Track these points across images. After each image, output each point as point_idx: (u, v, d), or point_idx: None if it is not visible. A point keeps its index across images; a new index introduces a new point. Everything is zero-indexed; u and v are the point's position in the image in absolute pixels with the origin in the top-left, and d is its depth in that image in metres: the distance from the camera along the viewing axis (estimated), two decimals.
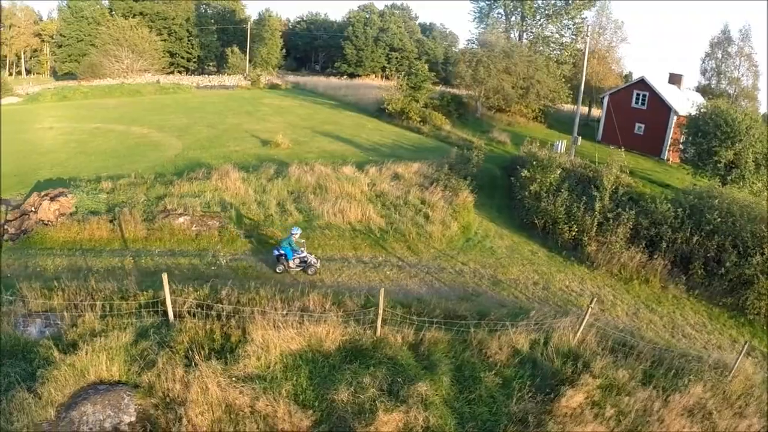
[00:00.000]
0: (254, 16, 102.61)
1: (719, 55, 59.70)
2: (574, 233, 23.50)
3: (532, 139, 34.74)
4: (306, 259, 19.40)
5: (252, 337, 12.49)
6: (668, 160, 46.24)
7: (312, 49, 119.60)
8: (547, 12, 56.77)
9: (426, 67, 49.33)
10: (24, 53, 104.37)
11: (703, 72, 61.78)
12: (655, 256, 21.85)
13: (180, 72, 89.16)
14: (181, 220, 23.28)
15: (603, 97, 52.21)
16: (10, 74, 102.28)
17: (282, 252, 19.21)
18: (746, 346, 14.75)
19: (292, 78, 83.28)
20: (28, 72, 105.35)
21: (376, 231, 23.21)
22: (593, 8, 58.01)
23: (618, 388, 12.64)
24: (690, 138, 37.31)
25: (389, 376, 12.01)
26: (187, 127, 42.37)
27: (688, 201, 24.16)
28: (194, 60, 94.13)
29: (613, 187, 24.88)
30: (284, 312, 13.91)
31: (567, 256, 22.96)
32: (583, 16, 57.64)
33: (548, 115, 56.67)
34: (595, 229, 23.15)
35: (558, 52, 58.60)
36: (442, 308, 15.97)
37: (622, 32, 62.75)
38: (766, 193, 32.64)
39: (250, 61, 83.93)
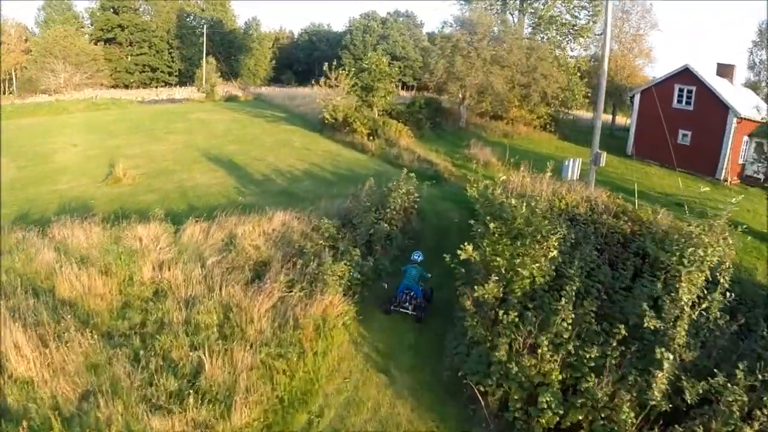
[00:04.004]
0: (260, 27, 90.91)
1: None
2: None
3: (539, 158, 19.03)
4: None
5: None
6: (725, 180, 30.37)
7: (314, 60, 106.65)
8: None
9: (385, 60, 33.07)
10: (15, 71, 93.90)
11: (751, 66, 45.47)
12: None
13: (167, 86, 77.20)
14: None
15: (632, 96, 36.13)
16: (3, 93, 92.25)
17: (410, 290, 12.19)
18: None
19: (277, 89, 69.67)
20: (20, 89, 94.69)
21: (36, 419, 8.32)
22: None
23: None
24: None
25: None
26: (51, 153, 30.55)
27: None
28: (175, 73, 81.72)
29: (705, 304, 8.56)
30: None
31: None
32: None
33: (561, 123, 40.51)
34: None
35: (570, 39, 41.70)
36: None
37: (651, 17, 45.92)
38: None
39: (225, 73, 70.82)
